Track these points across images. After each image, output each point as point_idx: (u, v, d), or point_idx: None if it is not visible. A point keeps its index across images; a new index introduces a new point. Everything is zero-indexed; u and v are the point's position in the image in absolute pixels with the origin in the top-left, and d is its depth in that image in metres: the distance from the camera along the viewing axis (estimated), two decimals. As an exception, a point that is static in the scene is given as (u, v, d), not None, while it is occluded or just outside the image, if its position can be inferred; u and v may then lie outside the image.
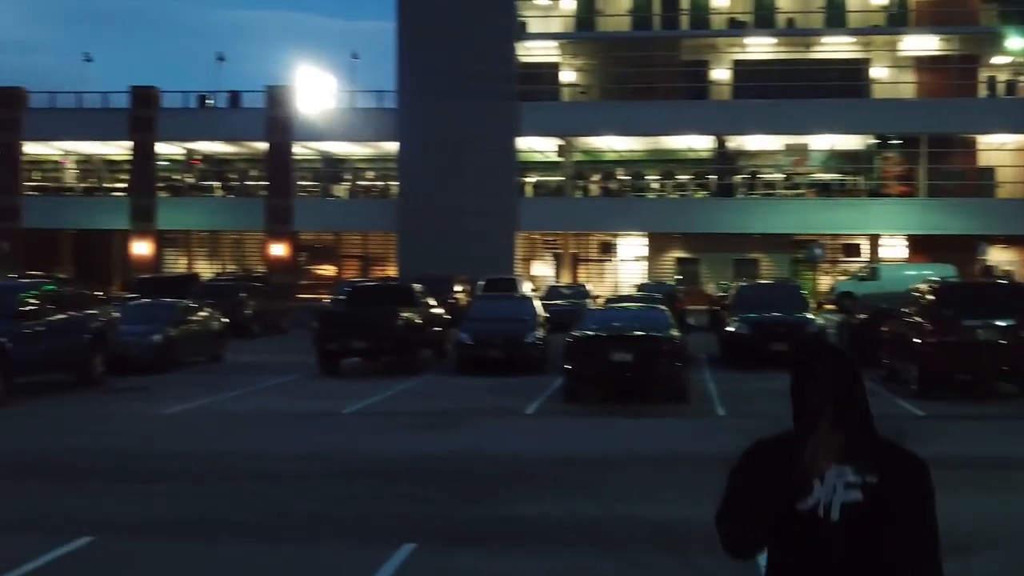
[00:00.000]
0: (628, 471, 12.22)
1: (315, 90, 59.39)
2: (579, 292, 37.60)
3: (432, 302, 26.38)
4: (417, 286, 25.64)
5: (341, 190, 58.53)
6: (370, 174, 58.70)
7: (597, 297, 37.84)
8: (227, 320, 28.16)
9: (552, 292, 37.89)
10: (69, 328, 20.61)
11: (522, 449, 13.66)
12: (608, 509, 10.23)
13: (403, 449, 13.72)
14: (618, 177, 55.34)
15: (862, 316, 23.21)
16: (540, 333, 22.54)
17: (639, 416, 16.29)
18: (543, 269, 58.07)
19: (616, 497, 10.77)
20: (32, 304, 19.71)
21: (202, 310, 26.83)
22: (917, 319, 17.93)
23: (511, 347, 22.24)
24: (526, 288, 42.23)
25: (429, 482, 11.60)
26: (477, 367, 22.22)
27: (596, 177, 55.55)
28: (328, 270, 61.72)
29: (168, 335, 24.12)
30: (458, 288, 42.42)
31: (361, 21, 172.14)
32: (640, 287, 38.57)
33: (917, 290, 19.14)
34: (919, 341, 17.55)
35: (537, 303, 25.05)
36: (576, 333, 17.49)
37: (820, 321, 22.79)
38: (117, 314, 23.29)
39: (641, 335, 17.11)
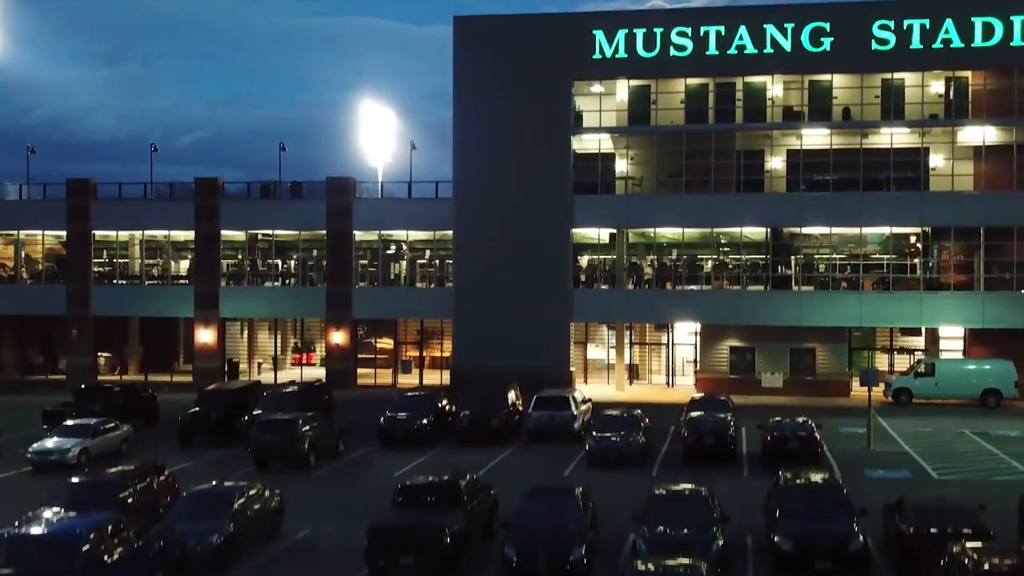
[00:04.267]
0: None
1: (375, 156, 60.78)
2: (630, 421, 37.25)
3: (479, 485, 27.00)
4: (464, 479, 26.31)
5: (400, 268, 59.23)
6: (427, 254, 59.45)
7: (646, 418, 38.03)
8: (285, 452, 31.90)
9: (601, 422, 37.57)
10: (131, 558, 21.54)
11: None
12: None
13: None
14: (671, 265, 55.38)
15: (910, 531, 23.05)
16: (584, 547, 23.02)
17: None
18: (598, 352, 58.52)
19: None
20: (96, 546, 20.58)
21: (258, 486, 27.54)
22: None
23: (554, 566, 22.80)
24: (578, 398, 42.80)
25: None
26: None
27: (650, 259, 55.69)
28: (386, 343, 62.80)
29: (226, 532, 24.87)
30: (512, 395, 43.24)
31: (431, 26, 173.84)
32: (692, 403, 39.57)
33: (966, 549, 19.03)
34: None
35: (583, 496, 25.39)
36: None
37: (862, 537, 22.88)
38: (174, 518, 24.30)
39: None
